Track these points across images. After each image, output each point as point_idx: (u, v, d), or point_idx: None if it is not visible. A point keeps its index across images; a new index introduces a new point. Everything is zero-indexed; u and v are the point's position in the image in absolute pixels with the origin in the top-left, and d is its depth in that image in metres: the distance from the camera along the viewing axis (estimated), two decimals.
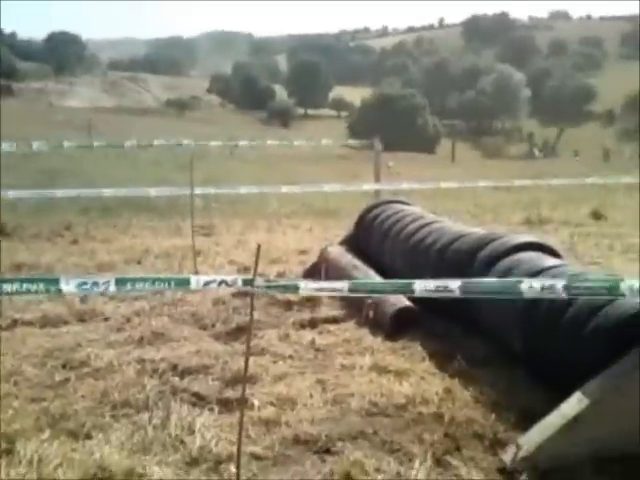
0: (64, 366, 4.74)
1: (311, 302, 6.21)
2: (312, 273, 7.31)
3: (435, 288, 3.07)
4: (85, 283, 3.09)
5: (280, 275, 7.45)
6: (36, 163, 18.41)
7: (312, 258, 7.96)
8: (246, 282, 3.13)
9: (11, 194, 9.61)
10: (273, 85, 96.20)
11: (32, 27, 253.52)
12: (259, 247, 3.07)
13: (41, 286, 3.04)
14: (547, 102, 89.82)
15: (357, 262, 6.83)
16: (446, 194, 14.53)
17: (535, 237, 5.80)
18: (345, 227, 8.66)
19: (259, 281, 3.16)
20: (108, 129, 35.87)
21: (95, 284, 3.10)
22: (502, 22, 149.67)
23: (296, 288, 3.32)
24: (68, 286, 3.04)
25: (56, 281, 3.06)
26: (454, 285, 3.05)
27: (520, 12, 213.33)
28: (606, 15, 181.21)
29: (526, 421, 3.74)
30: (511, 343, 4.67)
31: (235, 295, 6.20)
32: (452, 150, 48.69)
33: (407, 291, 3.22)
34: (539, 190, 15.82)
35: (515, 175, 17.87)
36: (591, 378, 3.62)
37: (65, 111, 55.59)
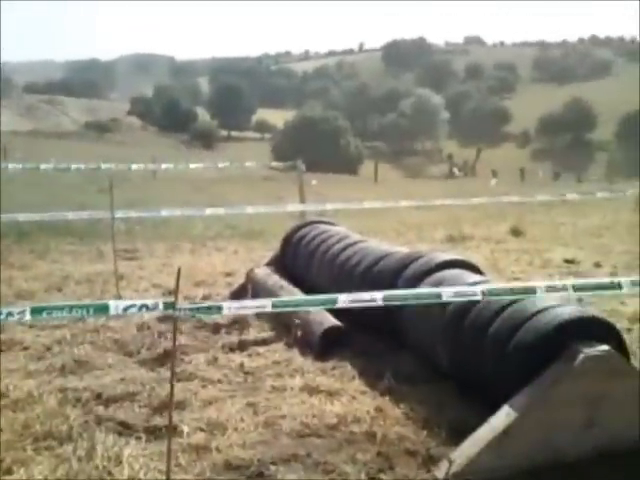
0: None
1: (239, 324, 6.15)
2: (239, 295, 7.24)
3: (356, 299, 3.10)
4: None
5: (206, 298, 7.34)
6: None
7: (238, 280, 7.89)
8: (167, 306, 3.06)
9: None
10: (195, 107, 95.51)
11: None
12: (179, 270, 3.02)
13: None
14: (465, 124, 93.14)
15: (284, 283, 6.81)
16: (371, 214, 14.69)
17: (457, 255, 5.91)
18: (271, 248, 8.63)
19: (182, 304, 3.09)
20: (25, 153, 34.66)
21: (10, 314, 2.97)
22: (420, 47, 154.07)
23: (219, 309, 3.26)
24: None
25: None
26: (378, 296, 3.08)
27: (437, 37, 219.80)
28: (517, 42, 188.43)
29: (458, 436, 3.76)
30: (438, 360, 4.72)
31: (160, 319, 6.06)
32: (375, 171, 49.16)
33: (331, 304, 3.22)
34: (460, 208, 16.18)
35: (436, 194, 18.24)
36: (517, 392, 3.70)
37: None
